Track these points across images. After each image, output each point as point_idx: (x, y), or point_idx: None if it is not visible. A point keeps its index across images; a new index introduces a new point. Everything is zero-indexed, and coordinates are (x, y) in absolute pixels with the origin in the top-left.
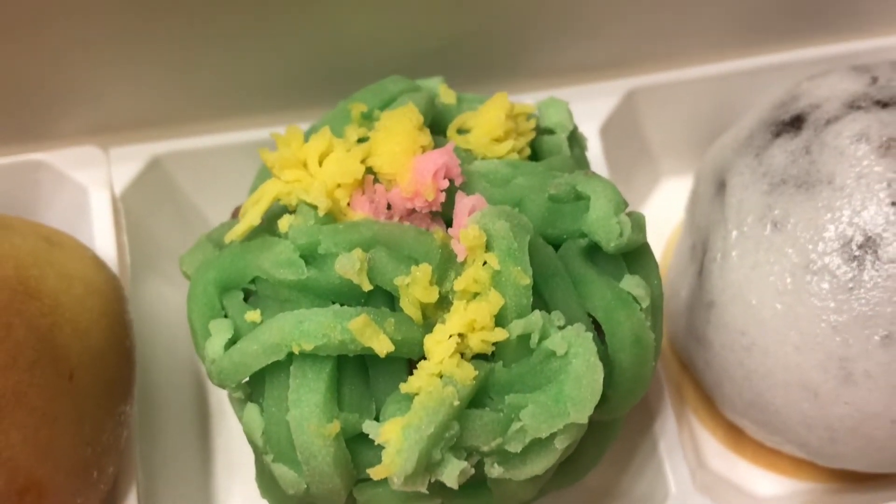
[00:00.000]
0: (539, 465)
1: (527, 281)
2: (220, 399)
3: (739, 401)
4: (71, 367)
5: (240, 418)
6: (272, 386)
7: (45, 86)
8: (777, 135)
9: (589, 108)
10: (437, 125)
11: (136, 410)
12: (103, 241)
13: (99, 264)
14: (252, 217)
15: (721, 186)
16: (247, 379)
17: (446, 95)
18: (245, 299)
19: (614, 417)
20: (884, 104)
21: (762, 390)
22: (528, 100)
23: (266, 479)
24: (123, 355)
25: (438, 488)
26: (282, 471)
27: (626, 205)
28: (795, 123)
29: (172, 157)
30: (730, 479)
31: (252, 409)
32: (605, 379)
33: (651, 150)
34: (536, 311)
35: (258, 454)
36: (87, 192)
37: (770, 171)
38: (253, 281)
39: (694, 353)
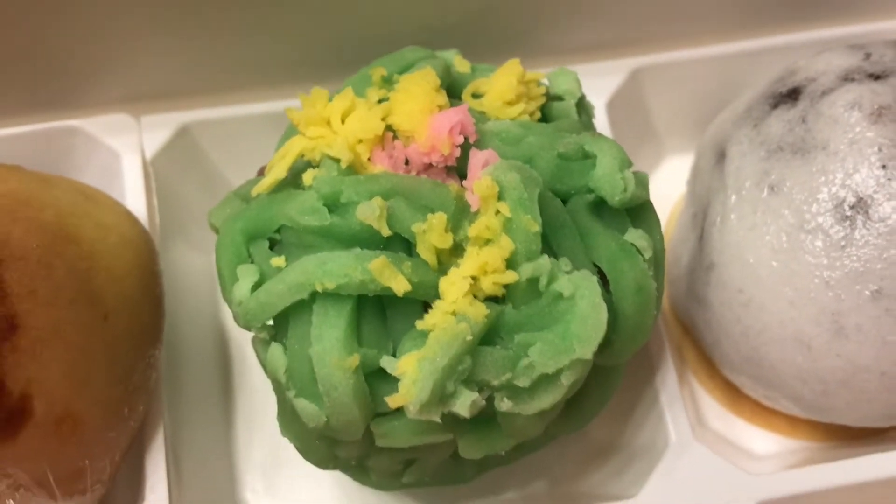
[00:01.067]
0: (546, 400)
1: (536, 228)
2: (243, 353)
3: (737, 357)
4: (106, 309)
5: (262, 362)
6: (296, 325)
7: (81, 56)
8: (775, 106)
9: (596, 84)
10: (452, 91)
11: (163, 357)
12: (134, 201)
13: (132, 219)
14: (278, 171)
15: (721, 156)
16: (271, 321)
17: (461, 65)
18: (270, 248)
19: (617, 363)
20: (876, 76)
21: (758, 345)
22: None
23: (287, 417)
24: (154, 302)
25: (451, 423)
26: (303, 405)
27: (631, 163)
28: (792, 95)
29: (201, 125)
30: (728, 438)
31: (276, 349)
32: (608, 325)
33: (655, 128)
34: (545, 256)
35: (280, 392)
36: (120, 156)
37: (767, 140)
38: (278, 231)
39: (694, 314)
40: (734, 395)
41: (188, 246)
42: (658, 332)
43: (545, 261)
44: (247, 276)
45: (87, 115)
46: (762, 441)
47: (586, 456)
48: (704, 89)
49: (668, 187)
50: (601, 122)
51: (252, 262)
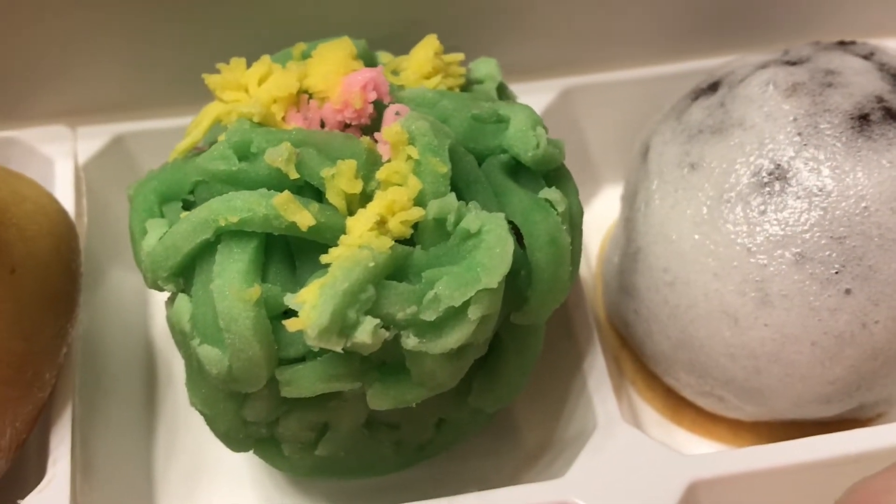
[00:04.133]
0: (454, 337)
1: (444, 169)
2: (170, 369)
3: (668, 344)
4: (13, 262)
5: (170, 320)
6: (201, 270)
7: (20, 71)
8: (695, 98)
9: (527, 101)
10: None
11: (79, 346)
12: (64, 202)
13: (53, 198)
14: (195, 135)
15: (646, 151)
16: (179, 276)
17: (385, 57)
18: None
19: (535, 323)
20: (791, 63)
21: (686, 324)
22: None
23: (194, 378)
24: (68, 274)
25: (358, 369)
26: (206, 351)
27: (545, 127)
28: (713, 87)
29: (135, 136)
30: (669, 447)
31: (182, 298)
32: (524, 280)
33: (591, 155)
34: (452, 194)
35: (187, 351)
36: (53, 163)
37: (689, 127)
38: (192, 192)
39: (625, 309)
40: (674, 404)
41: (116, 251)
42: (584, 313)
43: (452, 198)
44: (156, 228)
45: (29, 126)
46: (704, 450)
47: (522, 461)
48: (636, 112)
49: (607, 212)
50: None
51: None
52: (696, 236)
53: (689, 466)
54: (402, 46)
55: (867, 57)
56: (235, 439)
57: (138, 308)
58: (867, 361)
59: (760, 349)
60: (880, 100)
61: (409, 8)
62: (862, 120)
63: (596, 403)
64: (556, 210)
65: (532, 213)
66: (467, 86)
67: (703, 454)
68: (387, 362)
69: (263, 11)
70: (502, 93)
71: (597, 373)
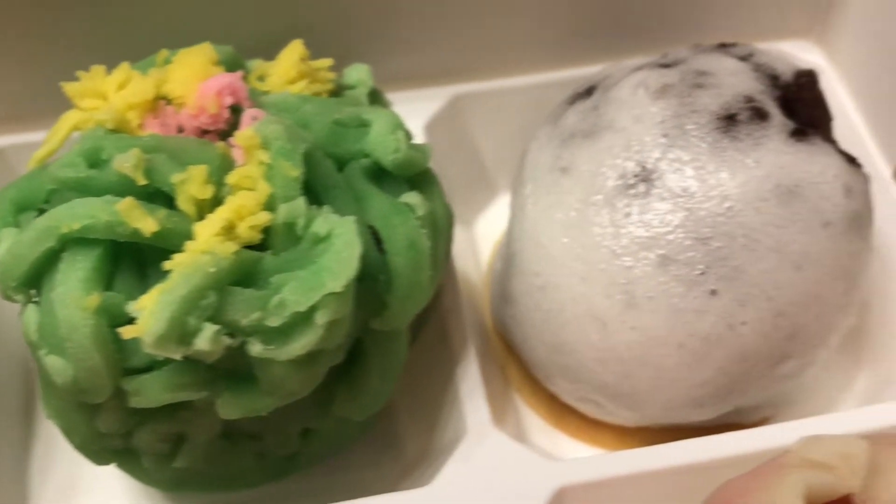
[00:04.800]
0: (300, 342)
1: (295, 173)
2: None
3: (543, 349)
4: None
5: (23, 330)
6: (48, 279)
7: None
8: (572, 103)
9: (416, 108)
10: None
11: None
12: None
13: None
14: (52, 143)
15: (524, 156)
16: (28, 286)
17: (256, 63)
18: None
19: (396, 328)
20: (665, 65)
21: (557, 329)
22: None
23: (46, 390)
24: None
25: (206, 379)
26: (52, 361)
27: (409, 133)
28: (589, 91)
29: (14, 149)
30: (553, 455)
31: (31, 309)
32: (383, 286)
33: (485, 162)
34: (301, 198)
35: (39, 362)
36: None
37: (563, 131)
38: (48, 201)
39: (505, 315)
40: (558, 411)
41: None
42: (460, 323)
43: (300, 202)
44: (7, 238)
45: None
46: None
47: (402, 471)
48: (527, 119)
49: (500, 221)
50: (419, 141)
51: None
52: (565, 240)
53: (556, 472)
54: None
55: (745, 58)
56: (92, 451)
57: (11, 319)
58: (736, 364)
59: (628, 353)
60: (749, 100)
61: (294, 15)
62: (728, 120)
63: (467, 411)
64: (415, 214)
65: (391, 217)
66: (337, 91)
67: (572, 459)
68: (236, 371)
69: (139, 20)
70: (375, 98)
71: (470, 379)
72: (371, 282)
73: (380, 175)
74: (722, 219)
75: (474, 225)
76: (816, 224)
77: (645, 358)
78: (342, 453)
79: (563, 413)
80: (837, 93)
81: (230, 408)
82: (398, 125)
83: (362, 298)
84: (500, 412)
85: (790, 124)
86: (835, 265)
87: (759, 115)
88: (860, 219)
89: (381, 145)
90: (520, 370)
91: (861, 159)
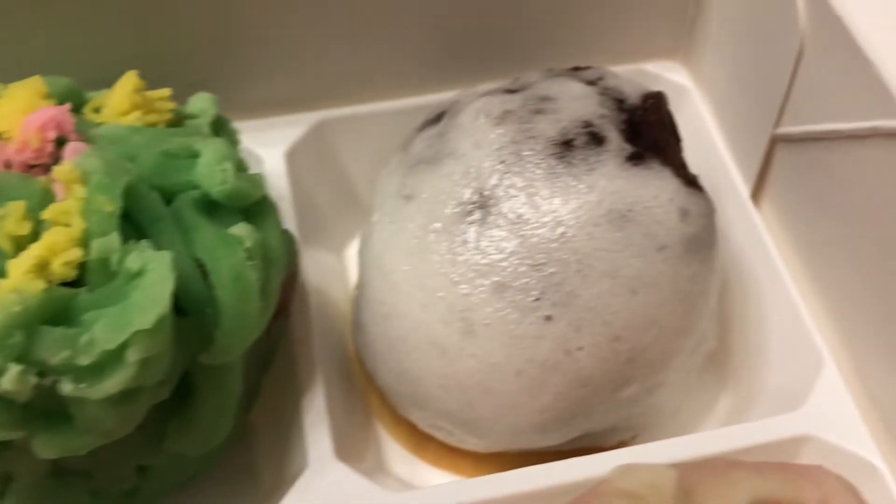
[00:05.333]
0: (113, 381)
1: (110, 208)
2: None
3: (392, 378)
4: None
5: None
6: None
7: None
8: (421, 129)
9: (277, 135)
10: (78, 110)
11: None
12: None
13: None
14: None
15: (376, 185)
16: None
17: (94, 95)
18: None
19: (226, 362)
20: (512, 91)
21: (402, 357)
22: None
23: None
24: None
25: (21, 418)
26: None
27: (241, 162)
28: (438, 118)
29: None
30: (412, 481)
31: None
32: (210, 319)
33: (355, 188)
34: (115, 233)
35: None
36: None
37: (410, 158)
38: None
39: (359, 344)
40: (418, 439)
41: None
42: (309, 356)
43: (114, 237)
44: None
45: None
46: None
47: (258, 502)
48: (391, 145)
49: None
50: (279, 170)
51: None
52: (406, 268)
53: None
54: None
55: (593, 82)
56: None
57: None
58: (576, 389)
59: (469, 380)
60: (587, 125)
61: (148, 44)
62: (564, 146)
63: (309, 442)
64: (242, 245)
65: (216, 249)
66: (178, 121)
67: (409, 492)
68: (51, 410)
69: None
70: (219, 127)
71: (314, 411)
72: (197, 316)
73: (212, 206)
74: (555, 245)
75: (345, 250)
76: (651, 248)
77: (485, 385)
78: (198, 484)
79: (423, 441)
80: (702, 113)
81: (46, 447)
82: (226, 156)
83: (187, 333)
84: (351, 443)
85: (628, 148)
86: (672, 289)
87: (596, 139)
88: (698, 242)
89: (208, 177)
90: (380, 398)
91: (721, 180)
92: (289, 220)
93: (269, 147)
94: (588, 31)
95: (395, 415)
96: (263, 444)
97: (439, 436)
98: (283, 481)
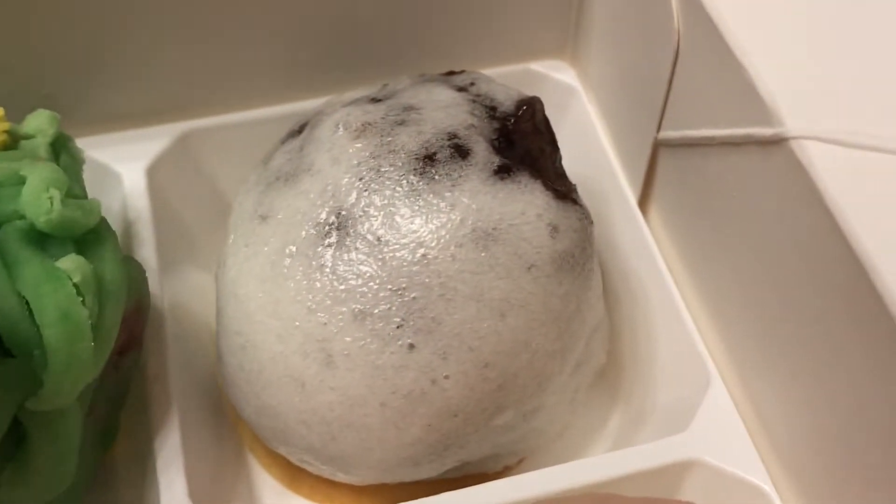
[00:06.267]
0: None
1: None
2: None
3: (250, 411)
4: None
5: None
6: None
7: None
8: (283, 142)
9: (139, 149)
10: None
11: None
12: None
13: None
14: None
15: (233, 204)
16: None
17: None
18: None
19: (60, 406)
20: (376, 100)
21: (259, 391)
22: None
23: None
24: None
25: None
26: None
27: (72, 188)
28: (300, 129)
29: None
30: None
31: None
32: (39, 361)
33: (227, 205)
34: None
35: None
36: None
37: (269, 174)
38: None
39: (220, 376)
40: (293, 471)
41: None
42: (165, 390)
43: None
44: None
45: None
46: None
47: None
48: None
49: None
50: (139, 187)
51: None
52: (261, 295)
53: None
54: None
55: (464, 88)
56: None
57: None
58: (446, 420)
59: (330, 414)
60: (452, 136)
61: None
62: (427, 161)
63: (162, 486)
64: (70, 280)
65: (41, 285)
66: (12, 143)
67: None
68: None
69: None
70: (60, 147)
71: (167, 452)
72: (24, 358)
73: (41, 237)
74: (417, 268)
75: None
76: (518, 268)
77: (347, 419)
78: None
79: (298, 474)
80: (590, 115)
81: None
82: (54, 182)
83: (13, 376)
84: (214, 482)
85: (495, 161)
86: (543, 310)
87: (460, 152)
88: (571, 259)
89: (32, 205)
90: (251, 431)
91: (609, 185)
92: (149, 241)
93: (128, 162)
94: (471, 30)
95: (267, 448)
96: (123, 486)
97: (310, 469)
98: None
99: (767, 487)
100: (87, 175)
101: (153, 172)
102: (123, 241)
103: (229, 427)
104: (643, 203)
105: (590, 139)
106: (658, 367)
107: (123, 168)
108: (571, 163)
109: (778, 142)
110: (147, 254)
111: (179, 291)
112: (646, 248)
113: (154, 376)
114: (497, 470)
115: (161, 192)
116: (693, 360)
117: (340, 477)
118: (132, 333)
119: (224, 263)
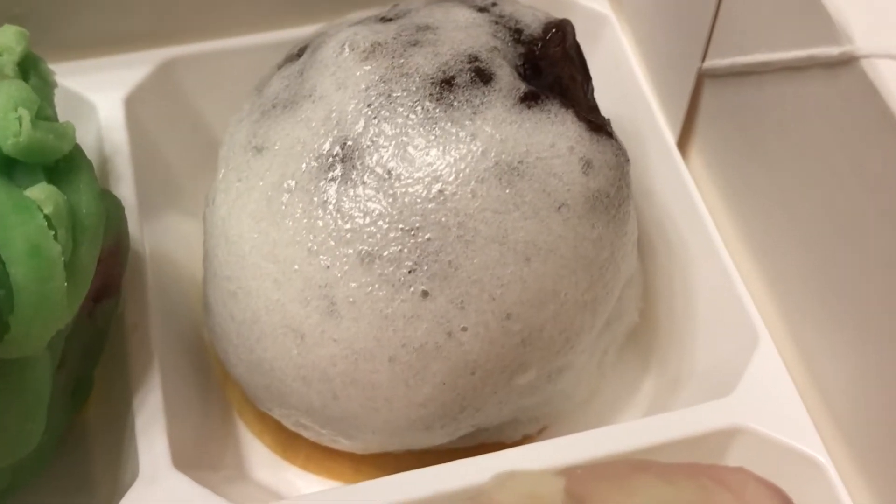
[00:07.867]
0: None
1: None
2: None
3: (242, 367)
4: None
5: None
6: None
7: None
8: (281, 67)
9: (116, 77)
10: None
11: None
12: None
13: None
14: None
15: (224, 135)
16: None
17: None
18: None
19: (26, 354)
20: (386, 19)
21: (252, 344)
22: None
23: None
24: None
25: None
26: None
27: (44, 109)
28: (300, 53)
29: None
30: (278, 489)
31: None
32: (2, 303)
33: (212, 142)
34: None
35: None
36: None
37: (265, 102)
38: None
39: (209, 328)
40: (286, 439)
41: None
42: (146, 346)
43: None
44: None
45: None
46: (319, 488)
47: None
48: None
49: None
50: (117, 119)
51: None
52: (255, 235)
53: None
54: None
55: (485, 8)
56: None
57: None
58: (462, 377)
59: (332, 370)
60: (473, 59)
61: None
62: (444, 85)
63: (141, 449)
64: (41, 211)
65: (8, 216)
66: None
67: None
68: None
69: None
70: (30, 67)
71: (147, 412)
72: None
73: (9, 164)
74: (432, 205)
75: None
76: (547, 208)
77: (352, 375)
78: (22, 494)
79: (292, 440)
80: (623, 46)
81: None
82: (23, 101)
83: None
84: (198, 447)
85: (521, 88)
86: (573, 255)
87: (482, 77)
88: (605, 199)
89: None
90: (241, 392)
91: (644, 124)
92: (127, 179)
93: (104, 92)
94: None
95: (258, 411)
96: (98, 448)
97: (309, 435)
98: (117, 492)
99: (823, 458)
100: (58, 105)
101: (132, 103)
102: (98, 178)
103: (216, 388)
104: (682, 143)
105: (623, 73)
106: (698, 327)
107: (99, 98)
108: (602, 99)
109: (847, 62)
110: (125, 192)
111: (161, 236)
112: (685, 193)
113: (133, 326)
114: (516, 439)
115: (140, 126)
116: (738, 317)
117: (341, 443)
118: (109, 277)
119: (213, 201)
